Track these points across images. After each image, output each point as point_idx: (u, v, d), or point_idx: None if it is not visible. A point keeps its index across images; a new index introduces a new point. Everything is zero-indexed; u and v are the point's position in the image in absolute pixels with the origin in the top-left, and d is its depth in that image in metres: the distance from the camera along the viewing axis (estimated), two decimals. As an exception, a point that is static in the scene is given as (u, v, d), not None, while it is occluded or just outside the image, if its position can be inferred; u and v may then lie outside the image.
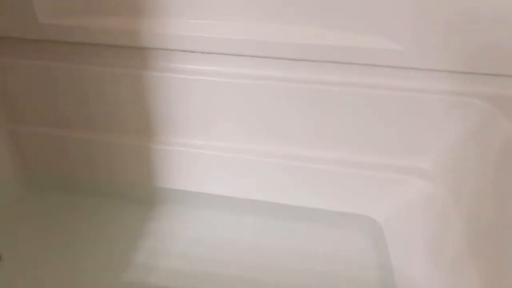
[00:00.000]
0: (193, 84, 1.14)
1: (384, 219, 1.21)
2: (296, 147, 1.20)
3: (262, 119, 1.17)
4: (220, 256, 1.17)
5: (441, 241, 1.02)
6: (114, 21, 1.10)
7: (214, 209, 1.31)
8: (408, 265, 1.08)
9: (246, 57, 1.10)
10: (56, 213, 1.29)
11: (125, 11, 1.10)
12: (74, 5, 1.10)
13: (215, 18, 1.08)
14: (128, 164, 1.30)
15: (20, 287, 1.08)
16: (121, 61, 1.15)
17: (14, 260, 1.14)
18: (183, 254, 1.18)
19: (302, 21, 1.05)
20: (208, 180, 1.28)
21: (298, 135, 1.18)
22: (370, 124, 1.13)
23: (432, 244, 1.04)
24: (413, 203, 1.14)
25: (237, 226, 1.27)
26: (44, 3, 1.09)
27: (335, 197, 1.23)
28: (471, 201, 0.99)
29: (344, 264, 1.16)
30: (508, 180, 0.88)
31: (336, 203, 1.25)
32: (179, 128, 1.23)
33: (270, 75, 1.11)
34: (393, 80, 1.07)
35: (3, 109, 1.28)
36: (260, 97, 1.13)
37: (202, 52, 1.11)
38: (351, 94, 1.08)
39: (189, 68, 1.14)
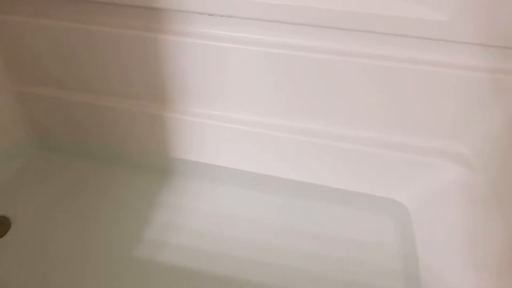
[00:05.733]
0: (209, 50, 1.04)
1: (412, 205, 1.13)
2: (321, 124, 1.11)
3: (286, 91, 1.07)
4: (234, 235, 1.10)
5: (479, 239, 0.93)
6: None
7: (228, 183, 1.24)
8: (436, 259, 0.99)
9: (272, 22, 0.99)
10: (67, 179, 1.24)
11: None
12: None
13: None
14: (141, 133, 1.23)
15: (27, 257, 1.03)
16: (135, 23, 1.06)
17: (22, 229, 1.09)
18: (195, 230, 1.11)
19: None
20: (223, 153, 1.21)
21: (325, 111, 1.08)
22: (404, 101, 1.03)
23: (466, 241, 0.95)
24: (448, 191, 1.05)
25: (253, 203, 1.20)
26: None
27: (362, 178, 1.15)
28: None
29: (365, 250, 1.08)
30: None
31: (363, 185, 1.17)
32: (194, 97, 1.14)
33: (298, 43, 1.01)
34: (432, 54, 0.97)
35: (9, 70, 1.19)
36: (285, 68, 1.03)
37: (221, 15, 1.00)
38: (387, 68, 0.98)
39: (206, 32, 1.04)
